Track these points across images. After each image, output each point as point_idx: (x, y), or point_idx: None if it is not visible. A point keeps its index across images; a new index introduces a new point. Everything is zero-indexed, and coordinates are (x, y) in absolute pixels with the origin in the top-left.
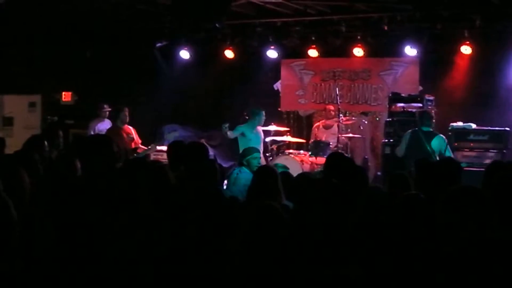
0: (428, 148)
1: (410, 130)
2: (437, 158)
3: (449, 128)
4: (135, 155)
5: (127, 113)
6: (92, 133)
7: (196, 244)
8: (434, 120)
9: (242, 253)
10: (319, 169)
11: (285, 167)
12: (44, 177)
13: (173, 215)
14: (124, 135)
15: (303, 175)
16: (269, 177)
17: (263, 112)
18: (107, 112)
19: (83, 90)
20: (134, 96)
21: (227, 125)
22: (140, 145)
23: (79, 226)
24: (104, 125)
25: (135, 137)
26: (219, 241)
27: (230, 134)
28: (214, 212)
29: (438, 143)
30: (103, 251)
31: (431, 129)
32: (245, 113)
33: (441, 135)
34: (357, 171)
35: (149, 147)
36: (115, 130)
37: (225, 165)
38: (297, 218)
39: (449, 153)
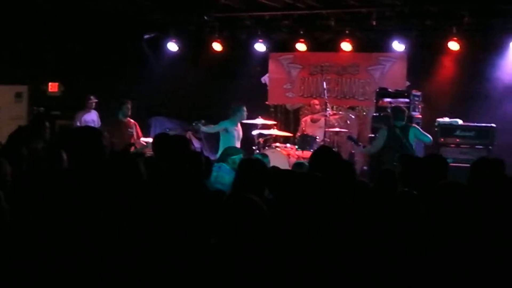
0: (407, 143)
1: (385, 128)
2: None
3: (436, 124)
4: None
5: (129, 106)
6: (78, 124)
7: (179, 238)
8: (406, 114)
9: (219, 245)
10: (300, 161)
11: (264, 155)
12: (30, 169)
13: (152, 209)
14: (123, 128)
15: (286, 170)
16: (253, 170)
17: (244, 108)
18: (94, 104)
19: (70, 81)
20: (121, 88)
21: (201, 122)
22: (141, 140)
23: (61, 220)
24: (91, 116)
25: (134, 132)
26: (203, 235)
27: (206, 129)
28: (197, 205)
29: (413, 133)
30: (86, 246)
31: (404, 122)
32: (232, 106)
33: (413, 124)
34: (344, 165)
35: (146, 143)
36: (114, 122)
37: (212, 157)
38: (277, 211)
39: (426, 138)
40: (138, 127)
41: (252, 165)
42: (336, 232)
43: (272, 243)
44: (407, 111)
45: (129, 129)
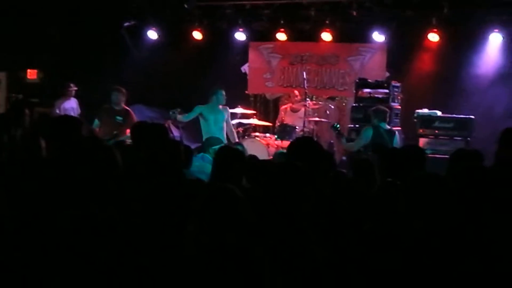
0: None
1: (369, 127)
2: None
3: (415, 115)
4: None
5: (118, 94)
6: (57, 112)
7: (156, 229)
8: (388, 116)
9: (196, 235)
10: (281, 150)
11: (243, 147)
12: (8, 158)
13: (129, 199)
14: (111, 116)
15: (266, 160)
16: (230, 159)
17: (221, 92)
18: (74, 91)
19: (49, 68)
20: (101, 75)
21: (177, 110)
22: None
23: (38, 211)
24: (70, 104)
25: (126, 120)
26: (181, 225)
27: (181, 117)
28: (176, 194)
29: (396, 140)
30: (62, 238)
31: (388, 126)
32: (210, 91)
33: (396, 132)
34: (323, 155)
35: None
36: (104, 110)
37: (192, 146)
38: (255, 201)
39: None
40: (131, 115)
41: (229, 154)
42: (317, 222)
43: (251, 233)
44: (388, 113)
45: (117, 117)
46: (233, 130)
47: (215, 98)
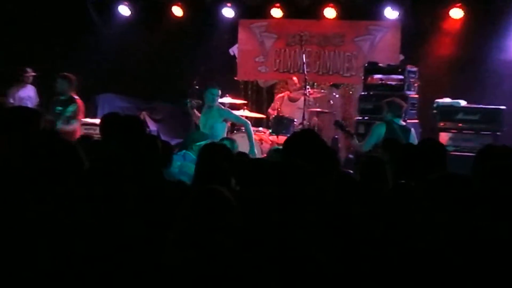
0: None
1: (381, 123)
2: None
3: (434, 105)
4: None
5: (61, 82)
6: (12, 101)
7: (129, 237)
8: (404, 110)
9: (180, 244)
10: (276, 147)
11: (232, 140)
12: None
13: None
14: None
15: (260, 158)
16: (217, 157)
17: (212, 90)
18: (31, 77)
19: (1, 50)
20: (63, 59)
21: (194, 102)
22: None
23: None
24: (27, 92)
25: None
26: (161, 232)
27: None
28: (153, 198)
29: (413, 139)
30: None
31: (403, 122)
32: (195, 82)
33: (412, 128)
34: (326, 153)
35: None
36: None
37: (172, 142)
38: (249, 206)
39: None
40: (76, 105)
41: (215, 151)
42: (321, 231)
43: (243, 243)
44: (405, 107)
45: (56, 108)
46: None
47: (205, 98)
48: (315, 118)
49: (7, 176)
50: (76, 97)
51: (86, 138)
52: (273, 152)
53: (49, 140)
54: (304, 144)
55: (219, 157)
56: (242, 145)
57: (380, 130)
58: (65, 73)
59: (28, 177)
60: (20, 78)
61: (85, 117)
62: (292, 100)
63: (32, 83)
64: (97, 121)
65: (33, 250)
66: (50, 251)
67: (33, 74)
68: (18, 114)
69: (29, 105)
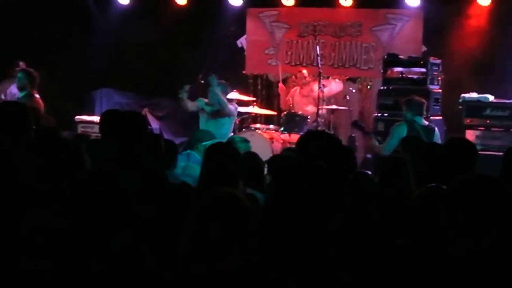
0: None
1: (401, 123)
2: None
3: (460, 100)
4: None
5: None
6: (2, 97)
7: (133, 241)
8: (425, 109)
9: (193, 254)
10: (289, 147)
11: (245, 140)
12: None
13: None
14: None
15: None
16: (225, 157)
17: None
18: None
19: None
20: (58, 52)
21: (186, 89)
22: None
23: None
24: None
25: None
26: (165, 239)
27: (190, 105)
28: (156, 200)
29: (437, 140)
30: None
31: (426, 121)
32: (200, 77)
33: (436, 128)
34: (342, 152)
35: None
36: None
37: (176, 141)
38: (268, 212)
39: None
40: (31, 101)
41: (222, 151)
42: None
43: (261, 253)
44: (426, 104)
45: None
46: None
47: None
48: (330, 115)
49: (6, 175)
50: (37, 95)
51: (82, 137)
52: (287, 152)
53: (49, 138)
54: (318, 144)
55: (226, 158)
56: (252, 144)
57: (401, 131)
58: (27, 68)
59: (26, 177)
60: (12, 72)
61: (81, 114)
62: (304, 96)
63: None
64: (94, 118)
65: (32, 252)
66: (49, 253)
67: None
68: (8, 109)
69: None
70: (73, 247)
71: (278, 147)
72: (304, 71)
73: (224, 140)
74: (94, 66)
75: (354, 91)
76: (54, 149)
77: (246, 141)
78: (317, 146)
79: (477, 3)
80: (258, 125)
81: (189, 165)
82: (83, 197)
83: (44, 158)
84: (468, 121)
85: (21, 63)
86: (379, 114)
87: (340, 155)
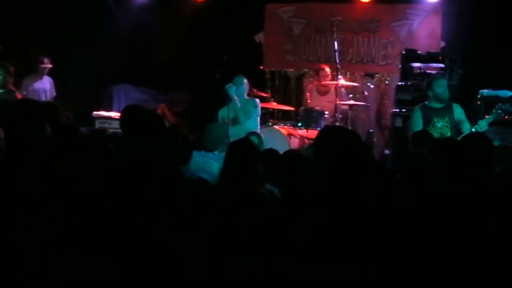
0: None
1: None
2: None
3: (478, 95)
4: None
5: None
6: (25, 93)
7: (152, 235)
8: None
9: (214, 251)
10: (309, 143)
11: (259, 137)
12: None
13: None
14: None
15: (292, 153)
16: (245, 155)
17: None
18: (47, 69)
19: (8, 38)
20: (75, 47)
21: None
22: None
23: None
24: (42, 85)
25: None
26: (182, 236)
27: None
28: (173, 196)
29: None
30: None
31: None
32: (217, 72)
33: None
34: (360, 150)
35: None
36: None
37: (192, 137)
38: (289, 208)
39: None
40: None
41: (245, 148)
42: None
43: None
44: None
45: None
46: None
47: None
48: (348, 111)
49: (27, 172)
50: (14, 89)
51: (99, 132)
52: (309, 149)
53: (70, 136)
54: (336, 141)
55: (249, 155)
56: (268, 141)
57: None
58: (2, 62)
59: (49, 174)
60: (37, 68)
61: (98, 109)
62: (322, 91)
63: (48, 74)
64: (112, 114)
65: (54, 250)
66: (71, 250)
67: (50, 65)
68: (22, 107)
69: (43, 98)
70: (96, 243)
71: (295, 142)
72: (327, 69)
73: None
74: (111, 61)
75: (372, 86)
76: (76, 146)
77: (260, 137)
78: (335, 143)
79: None
80: (275, 121)
81: (206, 161)
82: (108, 193)
83: (66, 155)
84: (486, 116)
85: (45, 60)
86: (397, 110)
87: (358, 152)
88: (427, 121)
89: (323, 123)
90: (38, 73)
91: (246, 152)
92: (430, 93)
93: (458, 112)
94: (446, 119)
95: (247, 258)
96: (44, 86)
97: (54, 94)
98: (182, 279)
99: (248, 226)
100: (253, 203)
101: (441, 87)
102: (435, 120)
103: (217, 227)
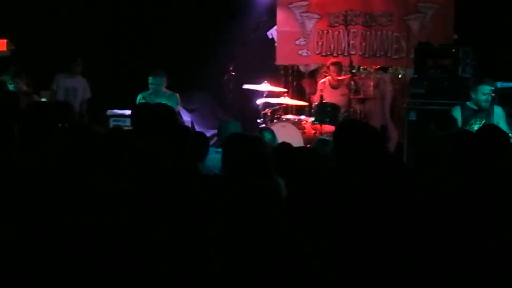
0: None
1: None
2: None
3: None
4: None
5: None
6: (55, 88)
7: (168, 232)
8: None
9: (223, 248)
10: (322, 137)
11: (272, 133)
12: None
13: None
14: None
15: (304, 149)
16: (255, 150)
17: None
18: (78, 68)
19: (23, 37)
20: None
21: None
22: None
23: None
24: (74, 83)
25: None
26: (196, 231)
27: None
28: (187, 193)
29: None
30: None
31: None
32: (231, 68)
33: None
34: (377, 141)
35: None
36: None
37: (207, 133)
38: (299, 204)
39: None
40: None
41: (255, 143)
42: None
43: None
44: None
45: None
46: None
47: None
48: (362, 105)
49: (44, 173)
50: (29, 90)
51: (115, 131)
52: (321, 143)
53: (86, 136)
54: (355, 135)
55: (259, 151)
56: (282, 136)
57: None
58: (9, 69)
59: (65, 174)
60: (72, 67)
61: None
62: (335, 86)
63: (81, 74)
64: (126, 112)
65: (69, 251)
66: (87, 249)
67: (81, 65)
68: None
69: (73, 97)
70: (110, 242)
71: (309, 137)
72: (340, 63)
73: None
74: (121, 57)
75: (385, 80)
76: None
77: (272, 133)
78: (354, 138)
79: None
80: (289, 116)
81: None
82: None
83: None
84: None
85: (78, 59)
86: (410, 103)
87: (377, 143)
88: (465, 121)
89: (337, 118)
90: (71, 72)
91: (253, 145)
92: (473, 95)
93: (498, 115)
94: (484, 122)
95: (251, 255)
96: (76, 86)
97: (89, 95)
98: (194, 276)
99: (252, 222)
100: (260, 199)
101: (484, 95)
102: (472, 121)
103: (224, 224)
